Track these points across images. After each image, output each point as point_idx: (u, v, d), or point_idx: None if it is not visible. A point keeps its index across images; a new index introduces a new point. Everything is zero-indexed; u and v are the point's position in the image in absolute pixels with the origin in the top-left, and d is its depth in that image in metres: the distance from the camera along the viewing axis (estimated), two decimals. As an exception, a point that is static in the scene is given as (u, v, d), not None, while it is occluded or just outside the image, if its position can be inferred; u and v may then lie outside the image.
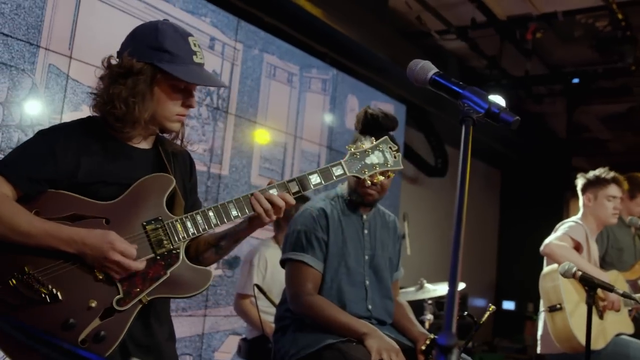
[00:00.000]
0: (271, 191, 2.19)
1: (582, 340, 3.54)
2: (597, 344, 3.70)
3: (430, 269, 6.52)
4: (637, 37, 6.05)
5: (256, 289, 3.58)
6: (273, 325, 3.48)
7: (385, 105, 6.99)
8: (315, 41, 5.87)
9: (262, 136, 5.47)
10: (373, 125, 2.81)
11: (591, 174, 4.23)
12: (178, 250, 2.12)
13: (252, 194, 2.18)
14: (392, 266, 3.09)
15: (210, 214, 2.15)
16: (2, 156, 3.42)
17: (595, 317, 3.74)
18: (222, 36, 5.02)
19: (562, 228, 4.11)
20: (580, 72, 7.34)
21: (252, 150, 5.36)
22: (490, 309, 2.77)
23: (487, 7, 6.14)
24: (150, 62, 2.08)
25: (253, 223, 2.22)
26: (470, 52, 7.00)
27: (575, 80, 7.21)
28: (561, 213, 9.96)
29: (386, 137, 2.41)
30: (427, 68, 1.69)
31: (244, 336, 4.51)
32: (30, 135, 3.71)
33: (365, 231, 2.98)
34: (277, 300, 3.66)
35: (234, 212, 2.16)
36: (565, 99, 8.48)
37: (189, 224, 2.13)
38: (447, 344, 0.93)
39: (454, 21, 6.41)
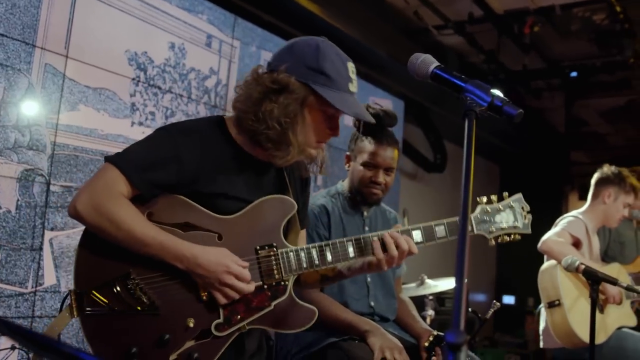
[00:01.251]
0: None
1: (581, 335, 3.54)
2: (598, 338, 3.69)
3: (431, 264, 6.49)
4: (636, 30, 6.03)
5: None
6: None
7: (384, 101, 6.97)
8: (312, 38, 5.84)
9: (260, 134, 5.44)
10: (375, 124, 2.80)
11: (615, 170, 4.14)
12: (287, 283, 2.03)
13: (372, 235, 2.11)
14: None
15: (327, 251, 2.06)
16: (-1, 157, 3.40)
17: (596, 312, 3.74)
18: (219, 33, 4.99)
19: (561, 224, 4.08)
20: (579, 66, 7.32)
21: (251, 148, 5.33)
22: (495, 306, 2.75)
23: (484, 2, 6.12)
24: (306, 83, 1.96)
25: (368, 267, 2.15)
26: (468, 47, 6.98)
27: (574, 74, 7.19)
28: (560, 207, 9.94)
29: (520, 195, 2.38)
30: (428, 62, 1.67)
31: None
32: (27, 136, 3.72)
33: (366, 228, 2.97)
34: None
35: (351, 252, 2.10)
36: (564, 93, 8.46)
37: (303, 257, 2.04)
38: (456, 342, 0.92)
39: (452, 16, 6.39)
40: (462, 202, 1.17)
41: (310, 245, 2.06)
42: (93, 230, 1.90)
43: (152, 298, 1.89)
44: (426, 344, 2.71)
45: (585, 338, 3.47)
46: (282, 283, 2.02)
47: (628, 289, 3.09)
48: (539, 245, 3.91)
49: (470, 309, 3.12)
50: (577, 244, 3.95)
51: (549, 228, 4.11)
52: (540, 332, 3.98)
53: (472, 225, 2.24)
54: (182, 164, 1.93)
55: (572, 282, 3.74)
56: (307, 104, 1.98)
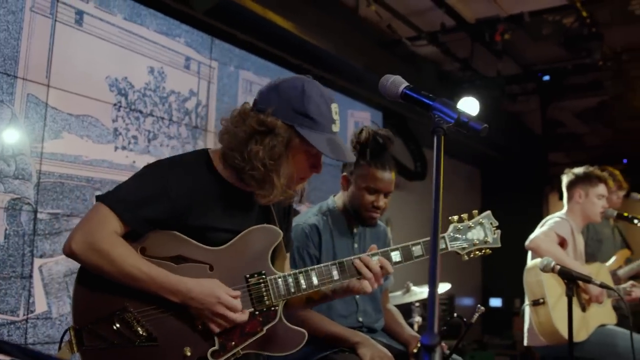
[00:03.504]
0: (373, 258, 2.21)
1: (564, 333, 3.64)
2: (579, 336, 3.80)
3: (416, 271, 6.59)
4: (603, 33, 6.19)
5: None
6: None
7: (362, 113, 7.08)
8: (289, 54, 5.94)
9: (243, 151, 5.51)
10: (378, 150, 2.84)
11: (580, 170, 4.29)
12: (276, 308, 2.12)
13: (354, 258, 2.20)
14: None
15: (314, 277, 2.15)
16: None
17: (577, 310, 3.85)
18: (197, 55, 5.08)
19: (548, 223, 4.19)
20: (551, 69, 7.48)
21: (234, 166, 5.41)
22: (479, 311, 2.85)
23: (455, 12, 6.25)
24: (291, 125, 2.04)
25: (353, 288, 2.22)
26: (442, 56, 7.10)
27: (546, 78, 7.34)
28: (541, 207, 10.10)
29: (489, 212, 2.47)
30: (397, 83, 1.76)
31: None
32: (12, 166, 3.77)
33: (355, 245, 3.01)
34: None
35: (336, 275, 2.18)
36: (539, 96, 8.61)
37: (290, 283, 2.13)
38: (430, 344, 1.01)
39: (424, 27, 6.51)
40: (433, 214, 1.26)
41: (297, 271, 2.15)
42: (88, 268, 1.98)
43: (149, 330, 1.97)
44: (414, 350, 2.79)
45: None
46: (273, 308, 2.11)
47: (602, 286, 3.21)
48: (527, 243, 4.03)
49: (455, 314, 3.21)
50: (562, 243, 4.07)
51: (531, 228, 4.22)
52: (525, 330, 4.08)
53: (446, 244, 2.35)
54: (171, 200, 2.01)
55: (556, 281, 3.85)
56: (292, 146, 2.06)
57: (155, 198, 2.00)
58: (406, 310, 4.40)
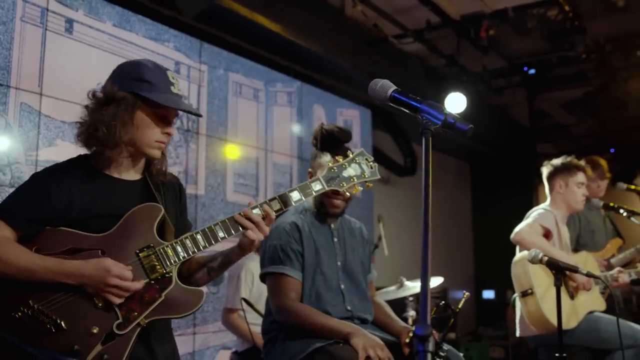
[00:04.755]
0: (254, 211, 2.30)
1: (554, 321, 3.73)
2: (570, 323, 3.89)
3: (409, 266, 6.66)
4: (586, 26, 6.28)
5: (244, 303, 3.69)
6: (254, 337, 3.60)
7: (351, 111, 7.16)
8: (277, 56, 6.01)
9: (234, 153, 5.59)
10: (330, 140, 2.97)
11: (558, 161, 4.39)
12: (171, 274, 2.24)
13: (235, 215, 2.30)
14: (365, 269, 3.24)
15: (199, 237, 2.27)
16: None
17: (566, 298, 3.94)
18: (187, 59, 5.13)
19: (532, 216, 4.28)
20: (536, 62, 7.57)
21: (226, 168, 5.48)
22: (465, 296, 2.94)
23: (440, 9, 6.33)
24: (131, 91, 2.23)
25: (243, 244, 2.32)
26: (428, 52, 7.17)
27: (532, 71, 7.44)
28: (530, 199, 10.21)
29: (362, 149, 2.55)
30: (386, 86, 1.84)
31: (234, 349, 4.61)
32: (8, 174, 3.82)
33: (335, 239, 3.14)
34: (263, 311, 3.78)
35: (221, 234, 2.28)
36: (525, 89, 8.70)
37: (179, 248, 2.25)
38: (424, 334, 1.08)
39: (410, 24, 6.58)
40: (423, 212, 1.33)
41: (184, 237, 2.28)
42: None
43: (54, 318, 2.10)
44: (407, 340, 2.88)
45: (558, 323, 3.67)
46: (167, 275, 2.23)
47: (589, 275, 3.31)
48: (512, 236, 4.12)
49: (443, 302, 3.31)
50: (547, 234, 4.15)
51: (521, 219, 4.31)
52: (517, 321, 4.17)
53: (322, 184, 2.41)
54: (51, 198, 2.19)
55: (543, 271, 3.93)
56: (137, 109, 2.24)
57: (36, 199, 2.18)
58: (400, 305, 4.47)
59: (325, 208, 3.05)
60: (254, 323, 3.96)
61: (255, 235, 2.27)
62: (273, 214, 2.31)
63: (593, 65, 7.27)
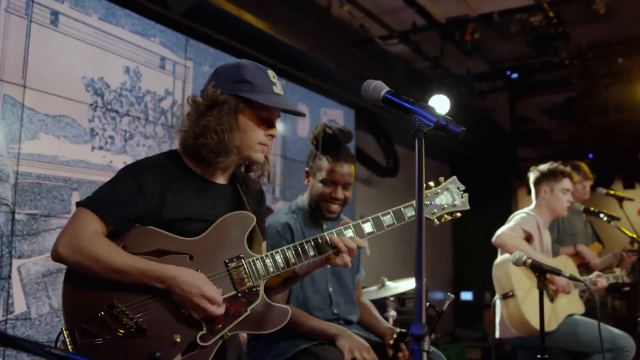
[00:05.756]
0: (346, 232, 2.30)
1: (534, 323, 3.79)
2: (550, 325, 3.94)
3: (390, 267, 6.70)
4: (569, 32, 6.35)
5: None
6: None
7: (335, 111, 7.17)
8: (263, 54, 5.99)
9: (218, 150, 5.55)
10: (332, 142, 2.93)
11: (544, 167, 4.45)
12: (258, 288, 2.21)
13: (329, 234, 2.29)
14: (354, 269, 3.23)
15: (289, 253, 2.24)
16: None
17: (546, 301, 3.98)
18: (172, 55, 5.11)
19: (514, 219, 4.33)
20: (519, 67, 7.64)
21: (210, 165, 5.45)
22: (449, 299, 2.96)
23: (426, 11, 6.36)
24: (233, 93, 2.17)
25: (328, 261, 2.31)
26: (413, 54, 7.21)
27: (515, 76, 7.50)
28: (510, 202, 10.30)
29: (454, 177, 2.55)
30: (379, 87, 1.84)
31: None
32: (-9, 166, 3.77)
33: None
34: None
35: (312, 252, 2.28)
36: (507, 93, 8.78)
37: (268, 263, 2.22)
38: (420, 333, 1.09)
39: (396, 26, 6.61)
40: (417, 212, 1.34)
41: (274, 251, 2.25)
42: (77, 269, 2.07)
43: (138, 321, 2.05)
44: (391, 342, 2.89)
45: (538, 326, 3.71)
46: (254, 289, 2.20)
47: (571, 278, 3.35)
48: (494, 239, 4.15)
49: (428, 304, 3.32)
50: (528, 238, 4.20)
51: (501, 222, 4.35)
52: (497, 323, 4.21)
53: (415, 211, 2.38)
54: (147, 197, 2.13)
55: (524, 274, 3.98)
56: (240, 111, 2.20)
57: (131, 197, 2.11)
58: (381, 305, 4.48)
59: (321, 211, 3.01)
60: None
61: (345, 260, 2.27)
62: (363, 245, 2.31)
63: (575, 72, 7.35)
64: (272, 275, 2.23)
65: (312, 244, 2.27)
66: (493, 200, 9.77)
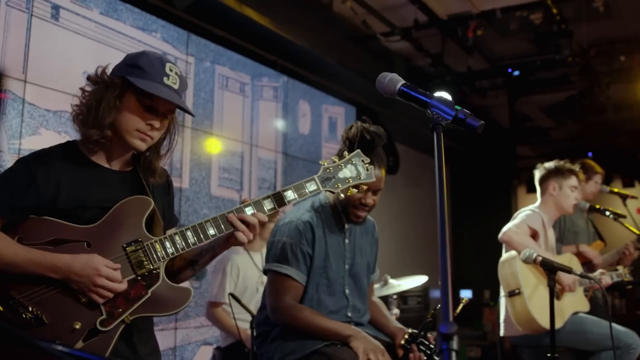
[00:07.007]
0: (247, 209, 2.25)
1: (541, 321, 3.76)
2: (556, 323, 3.90)
3: (392, 265, 6.66)
4: (572, 30, 6.32)
5: (232, 299, 3.64)
6: (248, 332, 3.56)
7: (336, 108, 7.14)
8: (264, 50, 5.97)
9: (219, 147, 5.53)
10: (368, 145, 2.81)
11: (551, 164, 4.42)
12: (158, 270, 2.18)
13: (228, 213, 2.24)
14: (370, 270, 3.18)
15: (188, 233, 2.20)
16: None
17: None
18: (174, 50, 5.06)
19: (520, 216, 4.30)
20: (520, 64, 7.61)
21: (211, 162, 5.42)
22: (464, 301, 2.92)
23: (428, 8, 6.33)
24: (121, 76, 2.18)
25: (230, 241, 2.28)
26: (414, 51, 7.17)
27: (516, 73, 7.47)
28: (509, 200, 10.28)
29: (358, 150, 2.45)
30: (395, 80, 1.80)
31: (217, 345, 4.56)
32: (-9, 162, 3.73)
33: (346, 240, 3.03)
34: (249, 306, 3.75)
35: (212, 231, 2.23)
36: (507, 91, 8.75)
37: (167, 244, 2.19)
38: (448, 332, 1.06)
39: (398, 22, 6.58)
40: (438, 209, 1.31)
41: (173, 233, 2.22)
42: None
43: (36, 312, 2.03)
44: (402, 342, 2.84)
45: (545, 324, 3.68)
46: (154, 271, 2.18)
47: (582, 276, 3.32)
48: (500, 236, 4.12)
49: (438, 306, 3.28)
50: (534, 235, 4.18)
51: (499, 220, 4.33)
52: (501, 321, 4.18)
53: (317, 185, 2.35)
54: (39, 186, 2.11)
55: (530, 272, 3.95)
56: (125, 95, 2.18)
57: (23, 186, 2.10)
58: (384, 302, 4.46)
59: (347, 215, 2.95)
60: (239, 318, 3.91)
61: (245, 237, 2.23)
62: (265, 218, 2.26)
63: (577, 69, 7.32)
64: (172, 257, 2.21)
65: (212, 223, 2.23)
66: (492, 197, 9.78)
